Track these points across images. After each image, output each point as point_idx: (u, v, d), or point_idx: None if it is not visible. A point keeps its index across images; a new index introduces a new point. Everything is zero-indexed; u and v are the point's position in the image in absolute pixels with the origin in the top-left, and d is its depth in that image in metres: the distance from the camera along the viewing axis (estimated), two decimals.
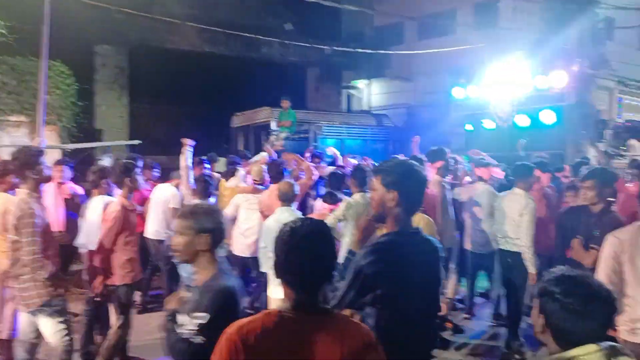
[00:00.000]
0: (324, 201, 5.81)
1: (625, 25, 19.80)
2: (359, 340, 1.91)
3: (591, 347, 1.80)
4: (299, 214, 5.01)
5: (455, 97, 10.81)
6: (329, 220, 4.68)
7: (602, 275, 3.37)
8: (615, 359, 1.84)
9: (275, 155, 8.11)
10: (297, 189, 5.16)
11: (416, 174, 2.47)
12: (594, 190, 4.23)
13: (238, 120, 13.87)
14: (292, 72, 18.06)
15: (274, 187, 5.80)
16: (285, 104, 11.29)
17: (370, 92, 20.27)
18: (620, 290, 3.30)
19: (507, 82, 9.65)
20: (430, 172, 6.09)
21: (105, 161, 7.38)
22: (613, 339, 3.88)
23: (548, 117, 9.58)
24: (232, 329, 1.87)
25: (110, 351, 4.56)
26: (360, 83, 22.11)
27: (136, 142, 10.47)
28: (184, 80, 16.47)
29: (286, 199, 5.08)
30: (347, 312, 2.36)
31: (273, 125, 11.88)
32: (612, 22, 19.65)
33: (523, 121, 9.64)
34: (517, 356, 5.44)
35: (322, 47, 16.51)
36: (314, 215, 5.66)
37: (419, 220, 4.27)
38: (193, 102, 17.51)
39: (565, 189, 6.42)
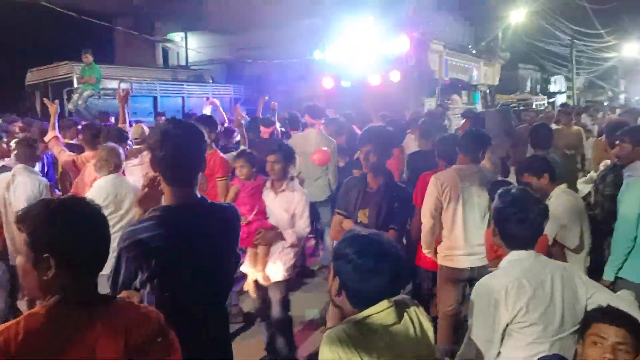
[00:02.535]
0: None
1: None
2: (145, 328, 1.70)
3: (383, 305, 1.82)
4: (128, 182, 4.50)
5: (315, 58, 11.37)
6: None
7: (427, 210, 3.92)
8: (405, 311, 1.90)
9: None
10: (121, 154, 4.64)
11: (170, 140, 2.09)
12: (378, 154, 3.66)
13: (33, 76, 12.27)
14: (97, 22, 16.29)
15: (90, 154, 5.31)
16: (87, 58, 10.13)
17: (187, 47, 19.33)
18: (439, 223, 3.92)
19: (360, 46, 10.56)
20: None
21: None
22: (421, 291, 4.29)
23: (395, 76, 10.73)
24: None
25: None
26: (177, 36, 20.92)
27: None
28: None
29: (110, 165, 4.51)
30: (124, 294, 2.10)
31: (75, 83, 10.67)
32: None
33: (375, 80, 10.62)
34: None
35: None
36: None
37: None
38: None
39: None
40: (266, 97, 8.24)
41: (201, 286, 2.15)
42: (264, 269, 4.01)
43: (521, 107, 18.68)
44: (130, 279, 2.07)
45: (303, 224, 4.06)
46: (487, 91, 18.87)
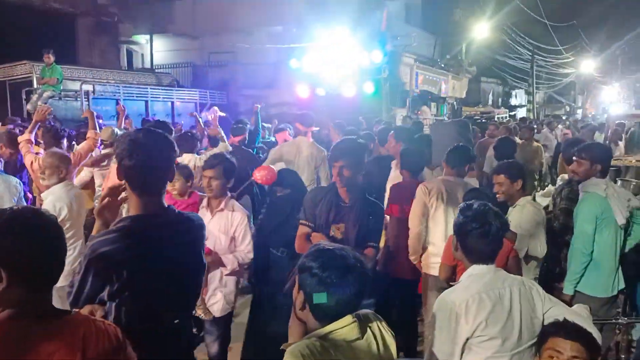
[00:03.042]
0: None
1: None
2: (103, 343, 1.66)
3: (346, 320, 1.82)
4: (78, 188, 4.33)
5: (292, 67, 11.43)
6: None
7: (414, 216, 4.06)
8: (368, 326, 1.91)
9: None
10: (62, 159, 4.36)
11: (139, 149, 2.05)
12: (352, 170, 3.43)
13: None
14: (59, 21, 15.89)
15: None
16: (49, 58, 9.92)
17: (152, 49, 19.04)
18: (425, 229, 4.09)
19: (336, 56, 10.83)
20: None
21: None
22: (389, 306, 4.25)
23: (369, 87, 11.06)
24: None
25: None
26: (142, 38, 20.60)
27: None
28: None
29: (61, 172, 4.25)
30: (87, 308, 2.04)
31: (35, 83, 10.39)
32: None
33: (349, 91, 10.92)
34: None
35: None
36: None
37: None
38: None
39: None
40: (258, 105, 7.99)
41: (172, 295, 2.14)
42: (203, 302, 3.58)
43: (484, 120, 19.16)
44: (95, 293, 2.02)
45: (245, 249, 3.66)
46: (454, 103, 19.48)
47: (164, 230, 2.12)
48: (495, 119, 20.21)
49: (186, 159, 5.87)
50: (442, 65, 16.60)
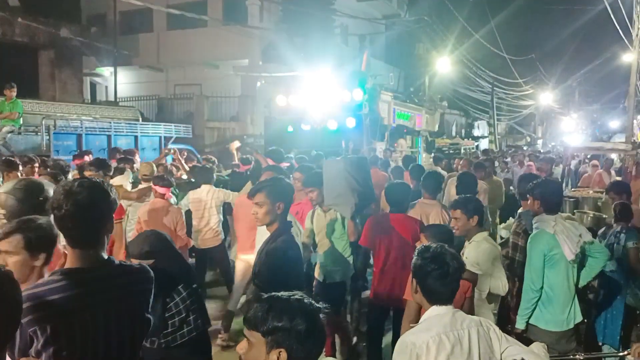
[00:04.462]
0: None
1: (356, 33, 22.36)
2: None
3: None
4: None
5: (278, 104, 11.87)
6: None
7: None
8: None
9: None
10: None
11: (70, 199, 1.96)
12: (267, 206, 3.35)
13: None
14: (21, 55, 15.69)
15: None
16: (10, 92, 9.70)
17: (117, 82, 18.91)
18: None
19: (320, 94, 10.96)
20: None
21: None
22: None
23: (350, 122, 11.66)
24: None
25: None
26: (106, 70, 20.47)
27: None
28: None
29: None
30: None
31: None
32: (346, 29, 21.96)
33: (332, 125, 11.48)
34: None
35: (57, 27, 14.84)
36: None
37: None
38: None
39: None
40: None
41: (104, 354, 2.02)
42: None
43: (451, 151, 19.62)
44: (26, 346, 1.92)
45: None
46: (427, 136, 20.18)
47: (96, 285, 2.03)
48: (462, 150, 20.71)
49: (204, 190, 6.26)
50: (416, 100, 17.47)
